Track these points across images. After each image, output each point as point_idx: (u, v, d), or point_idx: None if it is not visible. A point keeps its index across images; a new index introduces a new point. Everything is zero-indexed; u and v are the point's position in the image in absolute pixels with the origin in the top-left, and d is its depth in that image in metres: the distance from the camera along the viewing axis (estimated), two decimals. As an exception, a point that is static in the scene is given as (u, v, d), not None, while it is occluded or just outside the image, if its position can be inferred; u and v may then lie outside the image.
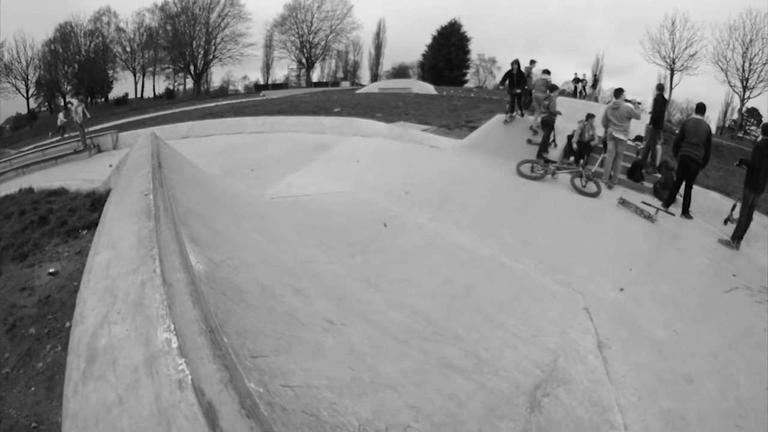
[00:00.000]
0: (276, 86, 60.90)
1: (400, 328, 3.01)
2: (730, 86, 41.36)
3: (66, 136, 18.16)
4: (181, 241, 2.54)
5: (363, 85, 47.86)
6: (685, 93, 52.43)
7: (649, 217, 7.67)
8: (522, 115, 13.83)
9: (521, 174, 9.30)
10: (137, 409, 1.35)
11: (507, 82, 12.36)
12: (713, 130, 22.38)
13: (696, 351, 4.09)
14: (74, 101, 15.92)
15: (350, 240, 5.18)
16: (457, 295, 4.11)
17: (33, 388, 2.34)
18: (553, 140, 11.84)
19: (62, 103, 58.08)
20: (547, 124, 10.97)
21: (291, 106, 20.93)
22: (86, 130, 15.45)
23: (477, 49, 66.67)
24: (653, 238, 7.03)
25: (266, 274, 3.01)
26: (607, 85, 42.14)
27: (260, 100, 32.76)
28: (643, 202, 8.26)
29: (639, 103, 15.38)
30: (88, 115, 15.81)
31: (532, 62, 15.44)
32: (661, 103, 11.05)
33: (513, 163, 9.59)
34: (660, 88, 11.39)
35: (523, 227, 6.43)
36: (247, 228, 4.43)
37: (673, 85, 44.51)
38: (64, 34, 60.07)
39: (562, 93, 17.66)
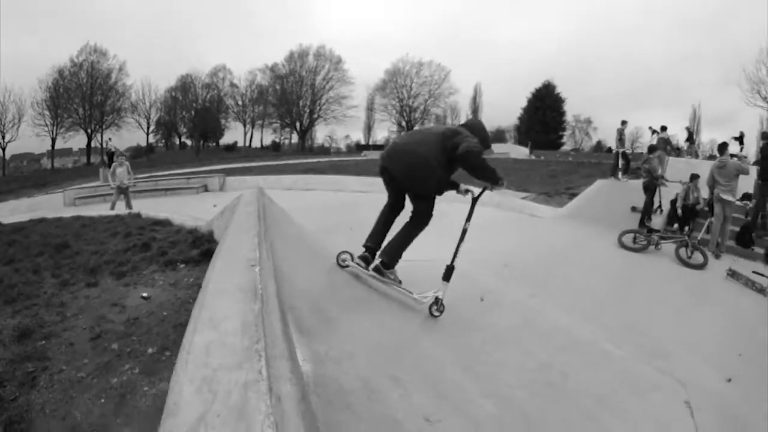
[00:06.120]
0: (377, 147, 63.68)
1: (493, 423, 3.17)
2: None
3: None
4: (289, 337, 2.63)
5: (461, 150, 48.21)
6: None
7: (761, 291, 6.91)
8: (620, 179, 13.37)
9: (623, 245, 8.92)
10: None
11: None
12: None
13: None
14: (119, 159, 13.37)
15: (453, 316, 5.35)
16: (553, 383, 4.10)
17: (102, 400, 2.38)
18: (659, 206, 11.22)
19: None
20: (649, 189, 10.47)
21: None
22: (129, 198, 13.34)
23: (572, 109, 64.89)
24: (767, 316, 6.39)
25: (366, 364, 3.22)
26: (707, 137, 37.44)
27: (362, 159, 34.00)
28: (754, 272, 7.43)
29: (745, 156, 14.10)
30: (132, 176, 13.81)
31: (623, 123, 14.81)
32: None
33: (615, 233, 9.24)
34: (765, 136, 10.41)
35: (625, 307, 6.19)
36: (346, 298, 4.64)
37: (780, 129, 38.91)
38: (185, 84, 69.28)
39: (671, 153, 16.34)
